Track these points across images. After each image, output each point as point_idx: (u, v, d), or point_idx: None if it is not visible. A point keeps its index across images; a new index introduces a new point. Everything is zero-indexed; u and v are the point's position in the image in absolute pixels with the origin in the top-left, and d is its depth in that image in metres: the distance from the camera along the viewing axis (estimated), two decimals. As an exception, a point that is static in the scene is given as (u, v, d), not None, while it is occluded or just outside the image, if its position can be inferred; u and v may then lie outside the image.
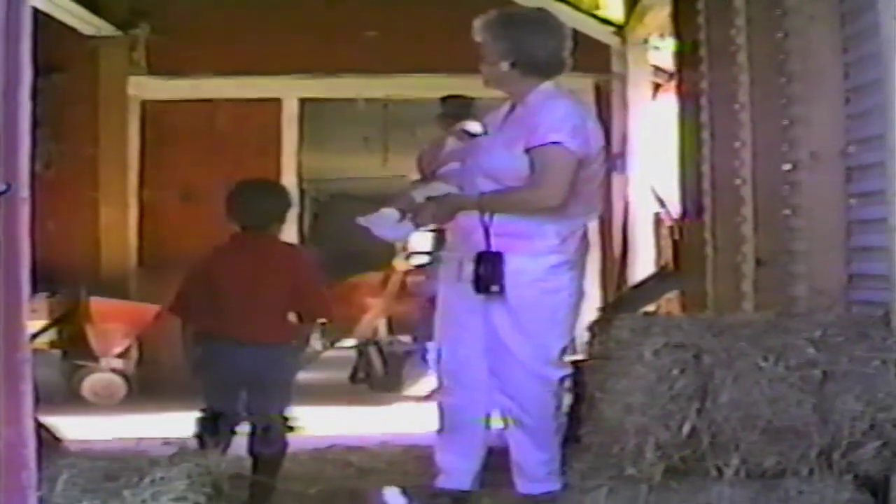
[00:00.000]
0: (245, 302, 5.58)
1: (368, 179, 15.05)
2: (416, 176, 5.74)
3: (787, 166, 5.48)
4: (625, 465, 3.92)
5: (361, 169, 15.09)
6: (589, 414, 4.41)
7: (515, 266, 5.10)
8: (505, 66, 5.21)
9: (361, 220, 5.32)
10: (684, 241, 7.67)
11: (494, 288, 5.08)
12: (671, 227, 8.20)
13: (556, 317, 5.17)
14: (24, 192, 3.18)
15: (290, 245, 5.81)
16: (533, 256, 5.15)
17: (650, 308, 7.12)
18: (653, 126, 9.76)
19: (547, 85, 5.25)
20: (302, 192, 11.25)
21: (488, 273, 5.09)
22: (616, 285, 9.43)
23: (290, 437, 5.65)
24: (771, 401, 3.89)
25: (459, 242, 5.28)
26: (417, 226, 5.35)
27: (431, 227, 5.50)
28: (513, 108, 5.32)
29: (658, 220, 8.96)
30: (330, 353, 13.01)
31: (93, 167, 10.06)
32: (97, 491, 3.67)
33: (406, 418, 7.92)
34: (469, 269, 5.16)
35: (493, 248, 5.09)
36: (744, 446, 3.88)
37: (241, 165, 9.23)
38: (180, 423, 5.73)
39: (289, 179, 10.07)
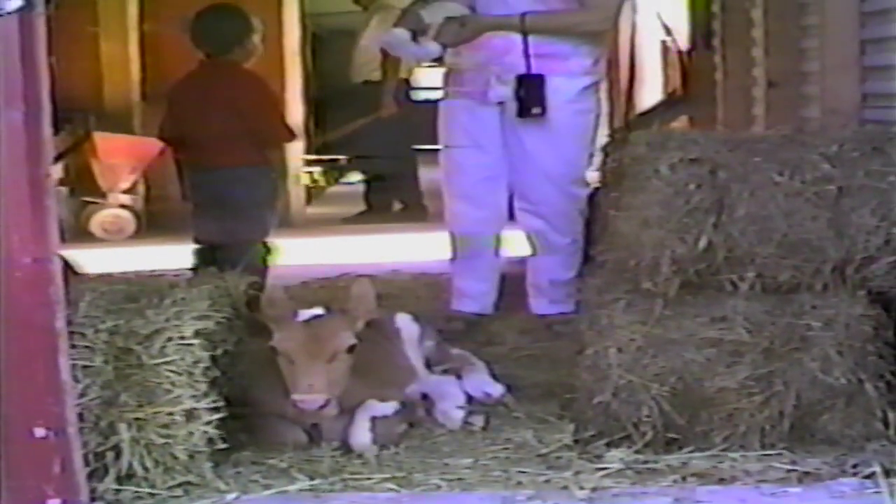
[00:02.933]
0: (205, 128, 5.63)
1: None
2: None
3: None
4: (641, 279, 3.92)
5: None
6: (603, 233, 4.42)
7: (552, 86, 5.09)
8: None
9: (380, 43, 5.30)
10: (693, 68, 7.62)
11: (536, 110, 5.10)
12: (679, 55, 8.13)
13: (585, 137, 5.24)
14: (40, 6, 3.14)
15: (249, 72, 5.79)
16: (569, 77, 5.17)
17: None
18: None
19: None
20: (304, 27, 11.04)
21: (530, 95, 5.08)
22: (624, 112, 9.39)
23: (296, 265, 5.71)
24: (786, 215, 3.89)
25: (485, 63, 5.21)
26: (443, 46, 5.26)
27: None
28: None
29: (665, 48, 8.87)
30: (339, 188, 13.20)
31: (91, 1, 9.91)
32: (120, 312, 3.71)
33: (416, 246, 7.94)
34: (501, 90, 5.16)
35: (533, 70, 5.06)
36: (759, 260, 3.89)
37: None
38: (186, 256, 5.82)
39: (290, 12, 9.96)
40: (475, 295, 5.49)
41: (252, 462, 3.82)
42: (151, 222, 9.48)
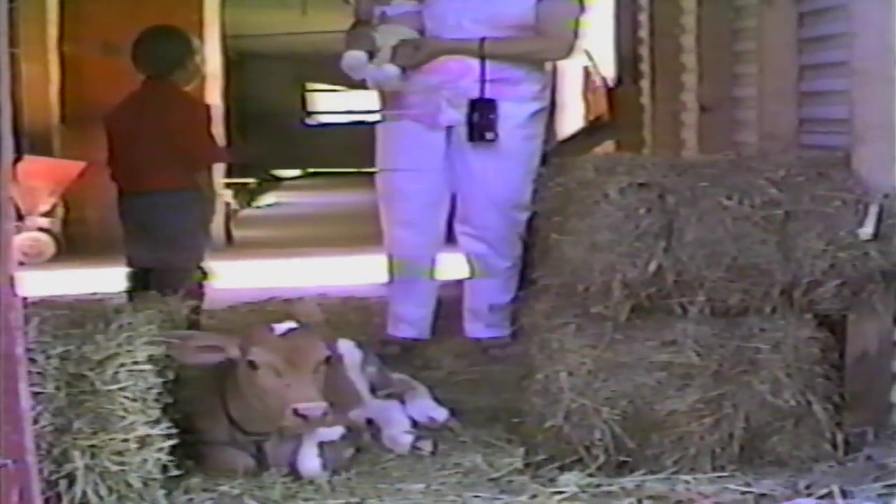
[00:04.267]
0: (136, 150, 5.57)
1: (284, 36, 14.88)
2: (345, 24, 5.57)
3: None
4: (591, 303, 3.92)
5: (278, 25, 14.84)
6: (545, 258, 4.40)
7: (502, 111, 5.11)
8: None
9: (342, 65, 5.26)
10: (617, 93, 7.66)
11: (490, 135, 5.10)
12: (603, 80, 8.16)
13: (532, 162, 5.24)
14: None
15: (185, 93, 5.74)
16: (518, 102, 5.18)
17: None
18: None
19: None
20: (226, 47, 10.98)
21: (484, 120, 5.08)
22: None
23: (222, 289, 5.66)
24: (735, 239, 3.92)
25: (437, 86, 5.20)
26: (402, 69, 5.23)
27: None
28: None
29: (587, 73, 8.91)
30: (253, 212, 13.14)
31: (11, 22, 9.68)
32: (68, 337, 3.64)
33: (341, 270, 7.90)
34: (453, 114, 5.15)
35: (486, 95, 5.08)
36: (708, 284, 3.90)
37: (164, 18, 8.98)
38: (110, 279, 5.72)
39: (212, 33, 9.90)
40: (412, 320, 5.46)
41: (203, 489, 3.76)
42: (70, 245, 9.31)
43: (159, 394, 3.60)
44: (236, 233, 10.67)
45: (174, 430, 3.61)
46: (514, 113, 5.18)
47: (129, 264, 5.75)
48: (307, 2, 12.97)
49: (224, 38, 10.62)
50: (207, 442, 3.93)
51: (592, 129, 7.85)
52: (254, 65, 16.71)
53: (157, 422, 3.56)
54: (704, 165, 4.19)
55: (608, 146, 7.41)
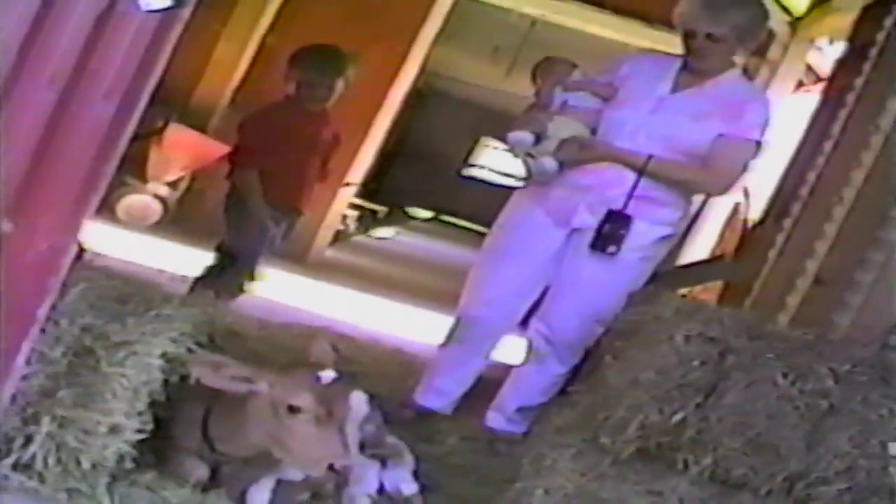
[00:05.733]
0: (269, 161, 5.75)
1: (479, 87, 14.86)
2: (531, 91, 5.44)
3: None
4: (601, 432, 3.83)
5: (479, 76, 14.83)
6: (589, 375, 4.38)
7: (634, 228, 4.97)
8: (724, 30, 4.96)
9: (508, 140, 5.17)
10: (753, 235, 7.43)
11: (612, 249, 4.95)
12: (745, 221, 7.93)
13: (638, 282, 5.05)
14: (187, 6, 3.04)
15: (329, 114, 5.98)
16: (653, 224, 5.00)
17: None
18: (778, 119, 9.37)
19: (738, 65, 5.12)
20: (418, 80, 10.86)
21: (614, 233, 4.95)
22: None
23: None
24: (769, 416, 3.77)
25: (586, 189, 5.04)
26: (560, 164, 5.08)
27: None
28: (686, 68, 5.07)
29: (735, 210, 8.67)
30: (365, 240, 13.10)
31: (230, 2, 9.80)
32: (102, 310, 3.62)
33: (410, 320, 7.78)
34: (587, 219, 4.99)
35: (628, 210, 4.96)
36: (721, 450, 3.77)
37: (371, 36, 9.00)
38: (194, 260, 5.75)
39: (411, 67, 9.86)
40: (443, 392, 5.31)
41: (147, 487, 3.68)
42: (178, 218, 9.27)
43: (153, 390, 3.56)
44: (330, 252, 10.54)
45: (149, 427, 3.56)
46: (643, 232, 5.00)
47: (218, 250, 5.90)
48: (516, 64, 12.94)
49: (422, 71, 10.50)
50: (175, 445, 3.85)
51: (710, 265, 7.60)
52: (439, 104, 16.70)
53: (138, 414, 3.52)
54: (780, 338, 4.05)
55: (717, 284, 7.15)
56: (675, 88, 5.04)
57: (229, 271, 5.70)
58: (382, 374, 5.82)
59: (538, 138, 5.09)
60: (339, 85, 5.90)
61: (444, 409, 5.30)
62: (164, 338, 3.60)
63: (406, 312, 8.26)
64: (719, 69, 5.03)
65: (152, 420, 3.59)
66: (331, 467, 3.62)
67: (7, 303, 2.96)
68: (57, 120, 2.83)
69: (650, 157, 4.93)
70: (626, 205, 4.94)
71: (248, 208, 5.79)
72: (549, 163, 5.07)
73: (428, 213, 18.49)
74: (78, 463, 3.46)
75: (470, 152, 18.24)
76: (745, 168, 5.07)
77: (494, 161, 17.49)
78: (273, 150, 5.77)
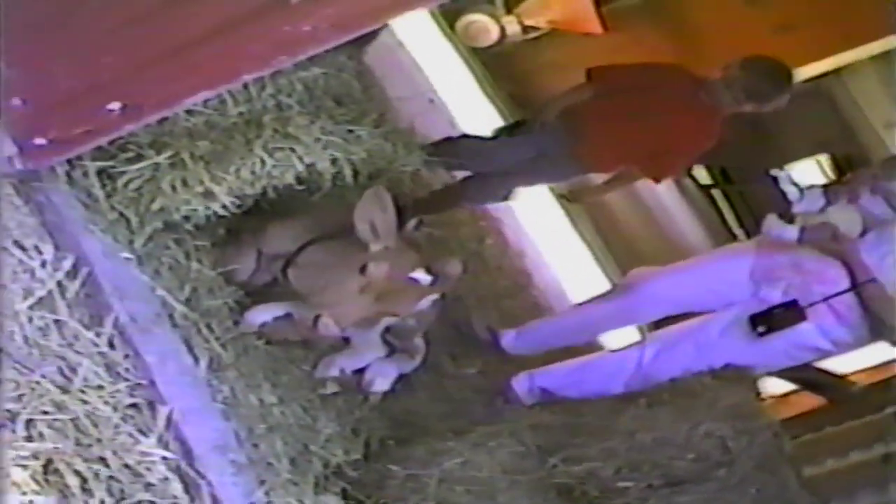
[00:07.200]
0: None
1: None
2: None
3: None
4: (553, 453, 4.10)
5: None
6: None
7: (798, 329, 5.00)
8: None
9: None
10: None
11: (761, 329, 4.96)
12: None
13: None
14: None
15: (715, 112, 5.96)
16: (820, 332, 5.02)
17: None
18: None
19: None
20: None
21: (776, 319, 4.99)
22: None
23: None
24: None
25: (802, 271, 5.08)
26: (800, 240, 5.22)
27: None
28: None
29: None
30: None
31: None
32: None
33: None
34: (775, 294, 5.05)
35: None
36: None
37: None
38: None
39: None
40: (523, 340, 5.61)
41: (188, 252, 4.11)
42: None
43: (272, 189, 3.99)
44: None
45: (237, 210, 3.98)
46: (806, 333, 5.04)
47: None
48: None
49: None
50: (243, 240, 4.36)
51: (835, 382, 7.51)
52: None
53: (236, 197, 3.94)
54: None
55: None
56: None
57: None
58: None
59: (825, 203, 5.24)
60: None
61: (505, 350, 5.58)
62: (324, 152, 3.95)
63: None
64: None
65: (244, 210, 3.99)
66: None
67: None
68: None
69: (874, 279, 4.92)
70: (813, 304, 4.95)
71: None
72: (791, 232, 5.20)
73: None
74: (153, 200, 3.85)
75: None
76: None
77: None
78: None
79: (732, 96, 5.75)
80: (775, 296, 5.02)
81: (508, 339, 5.55)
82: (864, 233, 5.07)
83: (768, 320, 4.95)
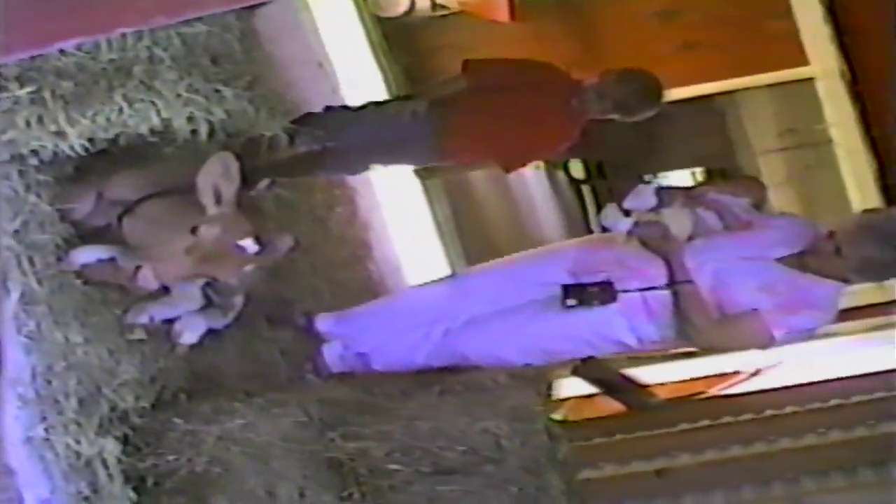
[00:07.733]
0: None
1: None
2: None
3: None
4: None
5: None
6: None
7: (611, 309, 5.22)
8: None
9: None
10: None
11: (572, 302, 5.15)
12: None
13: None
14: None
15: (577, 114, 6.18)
16: (630, 326, 5.22)
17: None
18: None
19: None
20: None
21: (588, 294, 5.16)
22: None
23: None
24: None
25: (624, 267, 5.25)
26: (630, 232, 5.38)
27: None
28: None
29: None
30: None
31: None
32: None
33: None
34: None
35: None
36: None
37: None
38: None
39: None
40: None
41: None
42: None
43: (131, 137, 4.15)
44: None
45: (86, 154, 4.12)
46: (611, 321, 5.22)
47: None
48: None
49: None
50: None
51: (635, 390, 7.63)
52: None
53: (89, 140, 4.10)
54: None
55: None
56: None
57: None
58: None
59: (658, 202, 5.36)
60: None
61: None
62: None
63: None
64: None
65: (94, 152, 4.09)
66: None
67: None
68: None
69: (691, 281, 5.11)
70: (628, 291, 5.15)
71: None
72: (624, 224, 5.37)
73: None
74: (4, 131, 3.96)
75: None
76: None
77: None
78: None
79: (601, 106, 5.98)
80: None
81: (326, 324, 5.63)
82: (693, 238, 5.24)
83: (580, 294, 5.15)
